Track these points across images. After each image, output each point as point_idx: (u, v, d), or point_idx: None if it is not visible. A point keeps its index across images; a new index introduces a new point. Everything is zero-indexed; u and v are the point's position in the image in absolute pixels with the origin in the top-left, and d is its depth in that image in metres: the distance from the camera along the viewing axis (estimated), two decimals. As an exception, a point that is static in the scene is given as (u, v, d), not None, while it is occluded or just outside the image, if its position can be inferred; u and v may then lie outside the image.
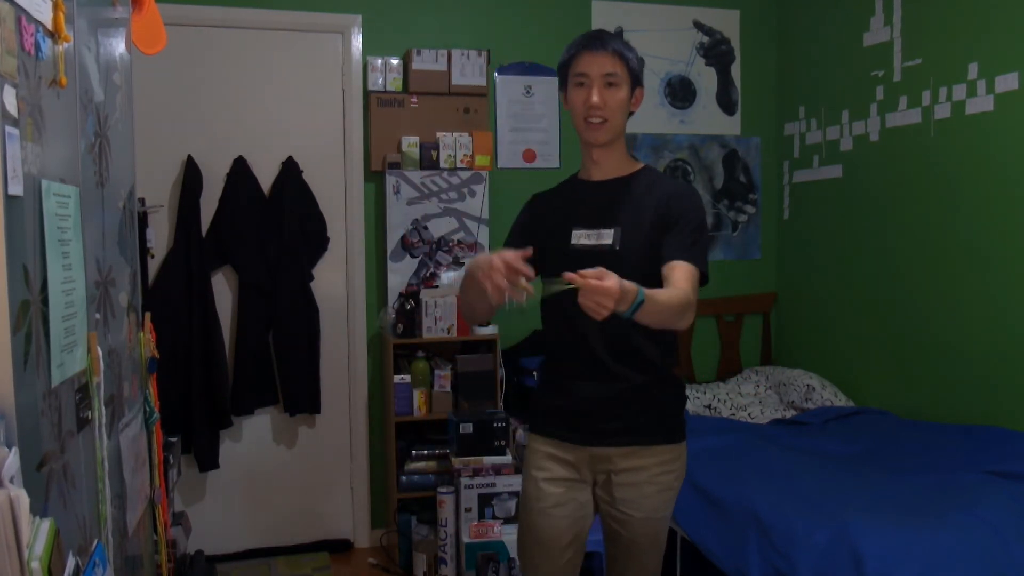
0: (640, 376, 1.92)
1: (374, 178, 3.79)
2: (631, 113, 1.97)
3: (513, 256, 1.63)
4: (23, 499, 0.96)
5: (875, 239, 3.65)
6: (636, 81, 1.93)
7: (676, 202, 1.92)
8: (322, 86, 3.73)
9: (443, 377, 3.55)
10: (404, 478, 3.52)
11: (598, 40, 1.90)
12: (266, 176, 3.64)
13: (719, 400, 3.73)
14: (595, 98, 1.88)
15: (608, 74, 1.88)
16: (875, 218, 3.65)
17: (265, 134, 3.65)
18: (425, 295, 3.54)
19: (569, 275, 1.57)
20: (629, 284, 1.60)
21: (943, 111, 3.27)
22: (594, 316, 1.56)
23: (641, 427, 1.93)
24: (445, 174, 3.70)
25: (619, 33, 1.98)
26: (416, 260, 3.72)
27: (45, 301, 1.16)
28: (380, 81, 3.70)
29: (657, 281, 1.86)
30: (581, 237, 1.93)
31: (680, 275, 1.82)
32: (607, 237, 1.90)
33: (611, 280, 1.55)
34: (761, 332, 4.35)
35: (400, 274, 3.71)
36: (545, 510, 1.96)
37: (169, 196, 3.56)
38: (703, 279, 1.88)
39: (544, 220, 2.03)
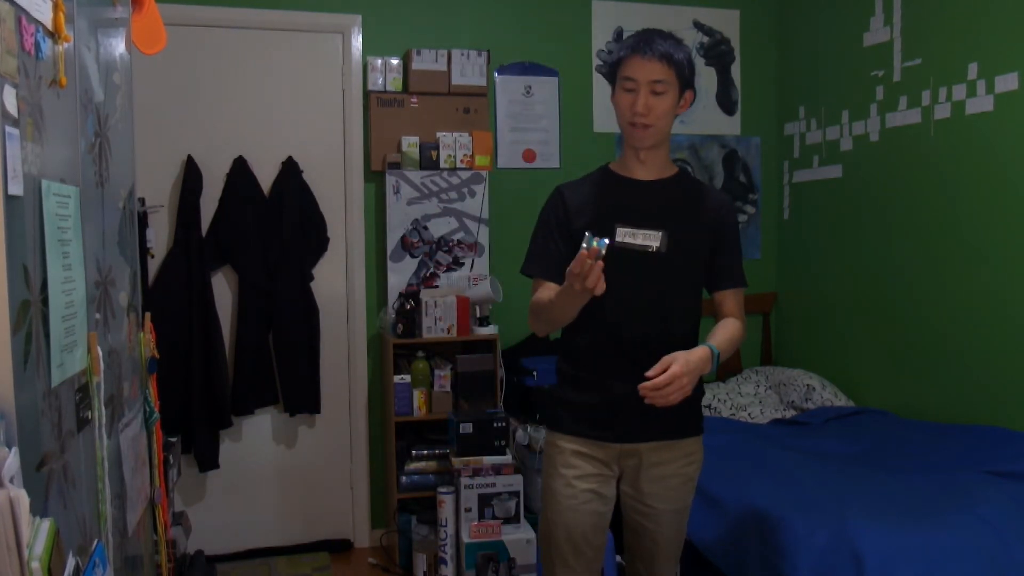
0: None
1: (374, 178, 3.79)
2: (678, 114, 1.97)
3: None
4: (23, 499, 0.96)
5: (875, 239, 3.65)
6: (685, 84, 1.93)
7: (729, 217, 2.03)
8: (322, 86, 3.73)
9: (443, 377, 3.55)
10: (404, 478, 3.52)
11: (648, 44, 1.89)
12: (266, 176, 3.64)
13: (719, 400, 3.73)
14: (640, 106, 1.88)
15: (655, 81, 1.88)
16: (875, 218, 3.65)
17: (265, 134, 3.65)
18: (425, 295, 3.54)
19: (643, 388, 1.76)
20: (697, 355, 1.80)
21: (943, 111, 3.27)
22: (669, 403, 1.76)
23: (671, 421, 1.95)
24: (445, 174, 3.70)
25: (669, 36, 1.94)
26: (416, 260, 3.72)
27: (45, 301, 1.16)
28: (380, 81, 3.70)
29: (697, 285, 2.01)
30: (626, 236, 1.90)
31: (734, 305, 2.02)
32: (653, 239, 1.88)
33: (675, 366, 1.74)
34: (761, 332, 4.35)
35: (400, 274, 3.71)
36: (577, 507, 1.98)
37: (169, 196, 3.56)
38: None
39: (581, 214, 1.98)
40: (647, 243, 1.87)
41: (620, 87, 1.93)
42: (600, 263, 1.66)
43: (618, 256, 1.84)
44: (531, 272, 2.04)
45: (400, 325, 3.52)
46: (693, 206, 1.98)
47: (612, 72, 1.96)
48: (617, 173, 2.03)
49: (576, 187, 2.06)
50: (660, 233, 1.86)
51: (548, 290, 1.95)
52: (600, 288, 1.69)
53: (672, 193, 1.99)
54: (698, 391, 2.00)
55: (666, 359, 1.77)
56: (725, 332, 1.94)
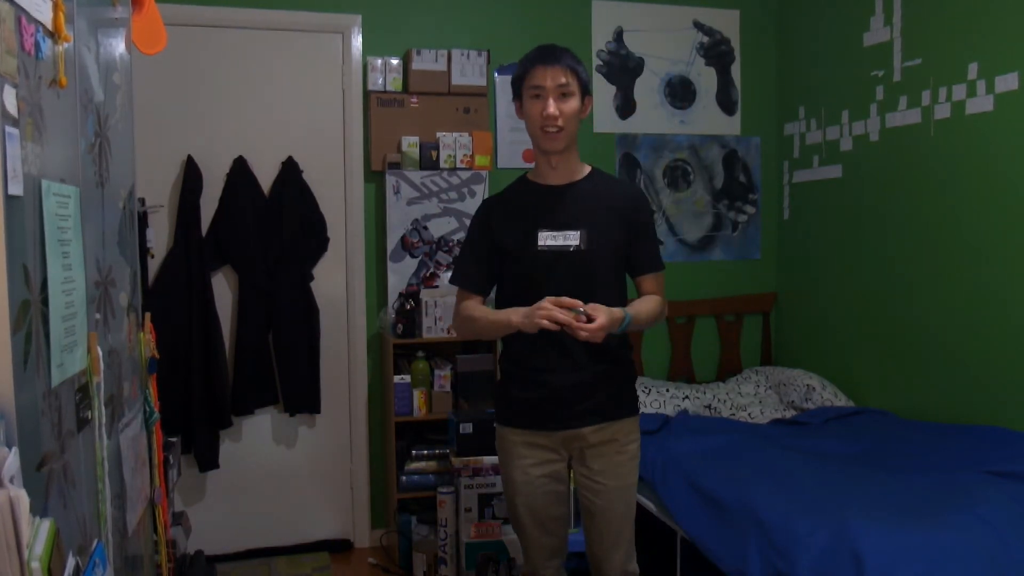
0: (604, 363, 2.14)
1: (374, 178, 3.79)
2: (581, 120, 2.14)
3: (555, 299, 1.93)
4: (23, 499, 0.96)
5: (875, 239, 3.65)
6: (585, 90, 2.11)
7: (641, 208, 2.19)
8: (322, 86, 3.73)
9: (443, 377, 3.55)
10: (404, 478, 3.52)
11: (551, 54, 2.07)
12: (266, 176, 3.64)
13: (719, 400, 3.72)
14: (551, 109, 2.03)
15: (561, 85, 2.05)
16: (875, 218, 3.65)
17: (265, 134, 3.65)
18: (425, 295, 3.54)
19: (569, 321, 1.91)
20: (617, 312, 1.95)
21: (943, 111, 3.27)
22: (593, 341, 1.92)
23: (607, 406, 2.14)
24: (445, 174, 3.70)
25: (566, 49, 2.16)
26: (416, 260, 3.72)
27: (45, 301, 1.16)
28: (380, 81, 3.70)
29: (619, 273, 2.17)
30: (547, 239, 2.08)
31: (653, 285, 2.20)
32: (573, 238, 2.06)
33: (601, 317, 1.90)
34: (761, 332, 4.35)
35: (400, 274, 3.71)
36: (536, 492, 2.17)
37: (169, 196, 3.56)
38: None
39: (506, 224, 2.16)
40: (568, 243, 2.04)
41: (528, 97, 2.08)
42: (562, 314, 1.89)
43: (545, 257, 2.06)
44: (458, 283, 2.23)
45: (400, 325, 3.52)
46: (608, 203, 2.13)
47: (517, 87, 2.11)
48: (534, 182, 2.19)
49: (501, 200, 2.23)
50: (579, 232, 2.03)
51: (477, 306, 2.17)
52: (541, 327, 1.92)
53: (586, 193, 2.14)
54: (629, 376, 2.22)
55: (590, 306, 1.94)
56: (643, 304, 2.12)
